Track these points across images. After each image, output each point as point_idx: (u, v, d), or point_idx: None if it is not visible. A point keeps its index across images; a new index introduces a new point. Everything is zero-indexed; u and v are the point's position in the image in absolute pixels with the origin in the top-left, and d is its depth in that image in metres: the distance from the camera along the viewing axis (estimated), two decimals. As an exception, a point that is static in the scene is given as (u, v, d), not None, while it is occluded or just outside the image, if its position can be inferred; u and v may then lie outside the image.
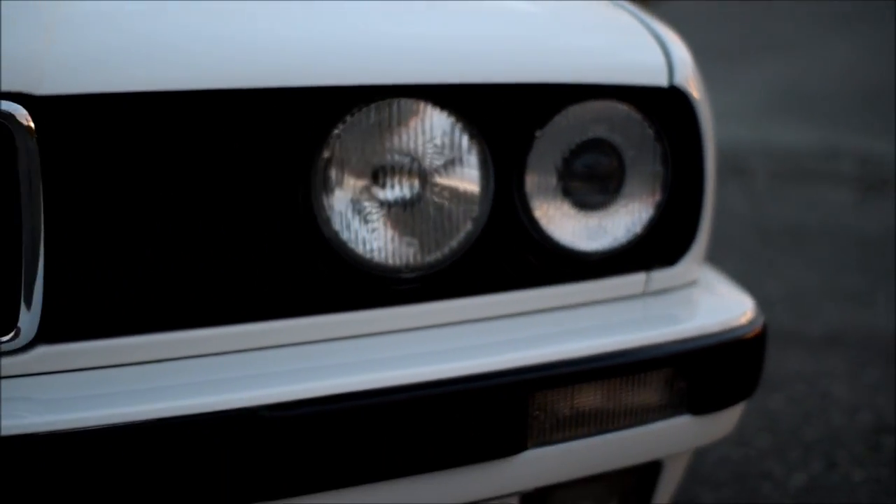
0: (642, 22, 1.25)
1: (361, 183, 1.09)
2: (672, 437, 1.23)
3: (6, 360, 0.99)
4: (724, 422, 1.28)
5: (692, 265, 1.28)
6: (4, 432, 0.94)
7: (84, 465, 0.97)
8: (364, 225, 1.10)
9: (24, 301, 0.98)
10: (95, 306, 1.01)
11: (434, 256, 1.13)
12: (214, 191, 1.02)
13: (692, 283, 1.30)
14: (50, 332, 1.00)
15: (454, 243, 1.13)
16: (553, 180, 1.18)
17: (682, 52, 1.23)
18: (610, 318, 1.22)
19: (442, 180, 1.12)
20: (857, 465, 1.94)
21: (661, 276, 1.26)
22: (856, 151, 5.00)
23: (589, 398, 1.15)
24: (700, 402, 1.21)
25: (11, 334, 0.98)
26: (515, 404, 1.10)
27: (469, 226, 1.13)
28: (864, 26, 7.29)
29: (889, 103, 5.82)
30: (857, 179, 4.67)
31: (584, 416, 1.15)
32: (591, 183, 1.20)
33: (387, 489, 1.07)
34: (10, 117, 0.93)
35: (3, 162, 0.94)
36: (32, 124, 0.94)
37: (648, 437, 1.20)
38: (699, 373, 1.21)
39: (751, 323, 1.25)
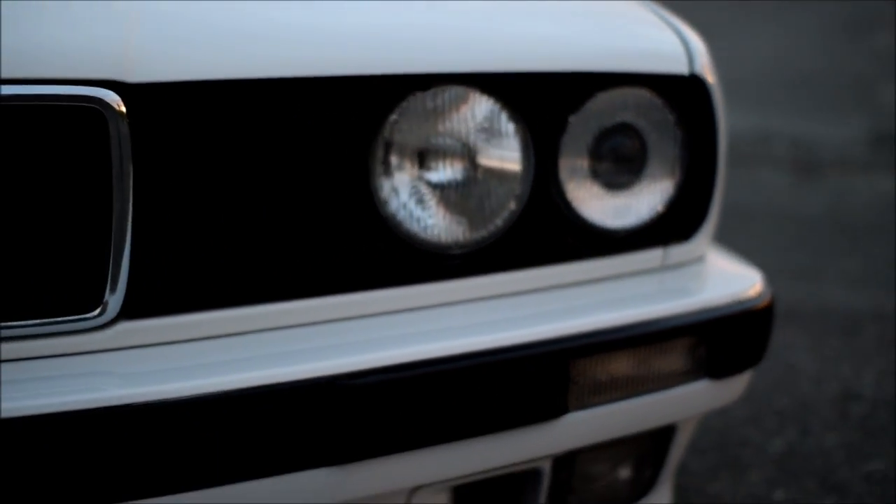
0: (661, 16, 1.34)
1: (415, 165, 1.16)
2: (692, 400, 1.32)
3: (90, 336, 1.04)
4: (737, 386, 1.38)
5: (704, 241, 1.37)
6: (88, 405, 0.99)
7: (164, 437, 1.02)
8: (418, 205, 1.17)
9: (111, 279, 1.03)
10: (176, 284, 1.06)
11: (481, 234, 1.20)
12: (289, 173, 1.08)
13: (703, 258, 1.40)
14: (132, 309, 1.05)
15: (499, 221, 1.21)
16: (584, 162, 1.26)
17: (698, 43, 1.32)
18: (635, 290, 1.31)
19: (488, 162, 1.19)
20: (829, 430, 2.07)
21: (677, 252, 1.35)
22: (788, 135, 5.20)
23: (622, 364, 1.24)
24: (718, 368, 1.31)
25: (98, 311, 1.03)
26: (558, 371, 1.18)
27: (512, 205, 1.21)
28: (793, 13, 7.52)
29: (817, 87, 6.04)
30: (792, 161, 4.86)
31: (618, 382, 1.24)
32: (618, 164, 1.29)
33: (441, 452, 1.15)
34: (104, 104, 0.98)
35: (96, 146, 0.99)
36: (125, 110, 0.99)
37: (672, 401, 1.30)
38: (718, 341, 1.31)
39: (761, 295, 1.35)
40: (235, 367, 1.06)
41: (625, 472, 1.46)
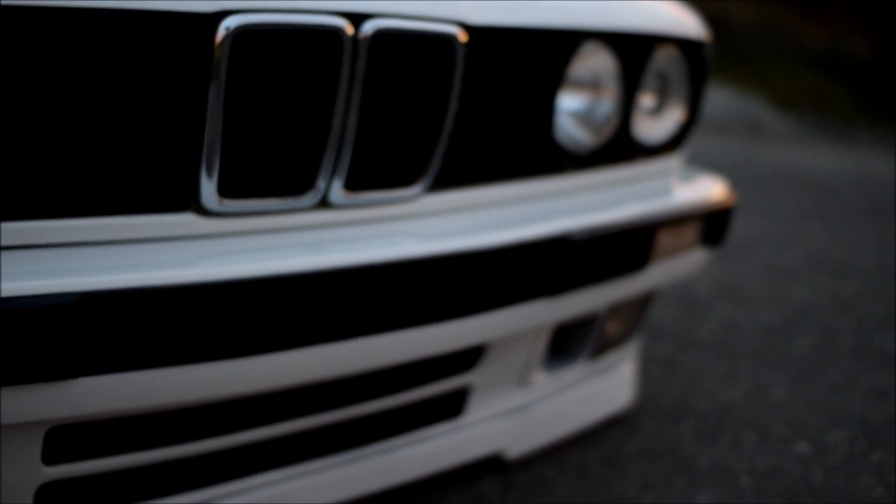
0: (681, 4, 1.94)
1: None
2: (696, 262, 1.95)
3: (400, 208, 1.46)
4: (711, 257, 2.02)
5: (686, 152, 2.00)
6: (400, 258, 1.41)
7: (456, 277, 1.46)
8: (570, 120, 1.68)
9: (432, 167, 1.45)
10: (465, 166, 1.50)
11: (599, 141, 1.74)
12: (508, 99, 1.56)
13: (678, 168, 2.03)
14: (435, 185, 1.47)
15: (608, 131, 1.75)
16: (645, 97, 1.84)
17: (700, 21, 1.93)
18: (670, 185, 1.91)
19: (606, 93, 1.73)
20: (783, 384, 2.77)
21: (678, 158, 1.97)
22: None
23: (674, 234, 1.83)
24: (710, 240, 1.94)
25: (413, 186, 1.45)
26: (649, 237, 1.75)
27: (615, 121, 1.75)
28: None
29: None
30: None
31: (668, 248, 1.83)
32: (657, 97, 1.87)
33: (576, 296, 1.68)
34: (455, 39, 1.40)
35: (442, 73, 1.41)
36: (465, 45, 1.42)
37: (689, 261, 1.91)
38: (712, 222, 1.93)
39: (729, 194, 2.00)
40: (497, 229, 1.53)
41: (617, 327, 2.05)
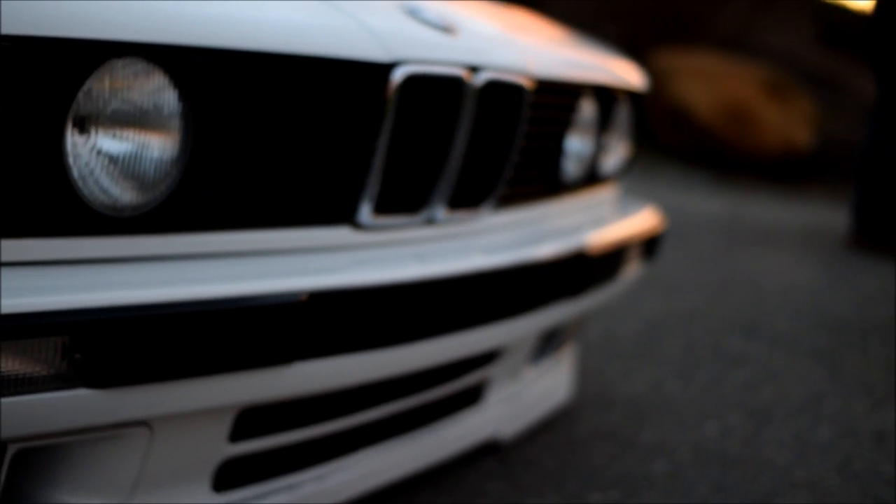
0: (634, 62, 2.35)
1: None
2: (640, 272, 2.35)
3: (473, 224, 1.76)
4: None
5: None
6: (471, 270, 1.72)
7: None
8: (570, 155, 2.05)
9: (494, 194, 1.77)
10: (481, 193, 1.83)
11: (582, 171, 2.11)
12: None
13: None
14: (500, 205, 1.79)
15: (587, 164, 2.12)
16: (609, 136, 2.23)
17: (643, 74, 2.36)
18: (625, 207, 2.31)
19: (589, 133, 2.11)
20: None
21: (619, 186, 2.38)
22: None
23: (636, 248, 2.22)
24: (649, 256, 2.35)
25: (486, 206, 1.76)
26: (625, 251, 2.14)
27: (591, 155, 2.13)
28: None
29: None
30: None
31: (632, 258, 2.22)
32: (612, 136, 2.27)
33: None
34: (525, 89, 1.73)
35: (513, 115, 1.74)
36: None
37: (637, 270, 2.31)
38: (653, 241, 2.35)
39: (660, 215, 2.43)
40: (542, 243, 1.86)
41: (571, 326, 2.42)
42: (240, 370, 1.32)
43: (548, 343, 2.28)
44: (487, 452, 2.18)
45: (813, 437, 2.53)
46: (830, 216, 6.56)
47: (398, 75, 1.48)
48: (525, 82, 1.74)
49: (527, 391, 2.25)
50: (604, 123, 2.16)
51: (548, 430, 2.35)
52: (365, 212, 1.53)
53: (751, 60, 9.92)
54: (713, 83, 9.06)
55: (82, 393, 1.19)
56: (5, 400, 1.14)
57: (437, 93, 1.57)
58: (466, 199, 1.73)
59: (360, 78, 1.46)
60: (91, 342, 1.18)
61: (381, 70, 1.47)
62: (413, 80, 1.51)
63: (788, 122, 9.05)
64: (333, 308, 1.40)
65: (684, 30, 11.07)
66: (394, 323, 1.50)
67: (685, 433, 2.46)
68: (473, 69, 1.62)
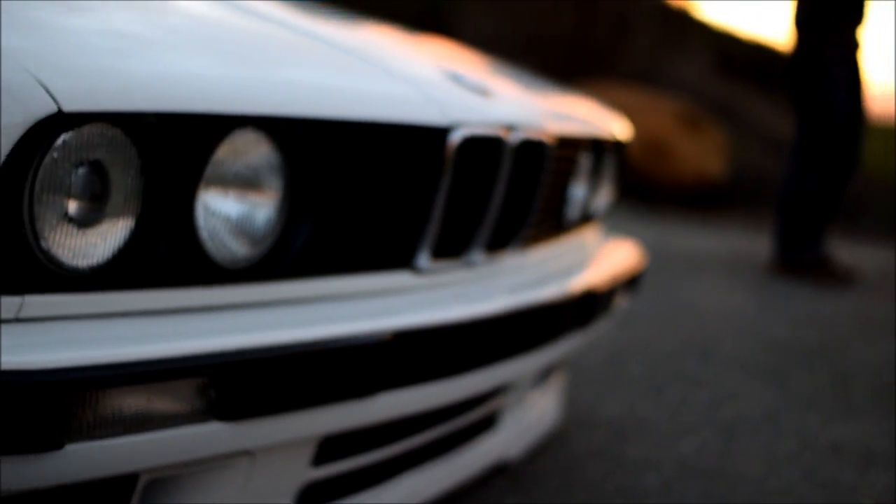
0: (610, 111, 2.59)
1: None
2: (625, 302, 2.58)
3: (501, 265, 1.96)
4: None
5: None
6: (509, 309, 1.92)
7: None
8: (574, 198, 2.27)
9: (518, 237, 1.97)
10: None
11: (578, 212, 2.33)
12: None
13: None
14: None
15: (582, 204, 2.34)
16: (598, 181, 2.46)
17: (625, 125, 2.59)
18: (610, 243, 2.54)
19: (584, 179, 2.33)
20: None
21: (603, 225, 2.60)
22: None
23: (626, 281, 2.45)
24: (634, 288, 2.58)
25: (512, 248, 1.96)
26: (615, 290, 2.36)
27: (584, 198, 2.35)
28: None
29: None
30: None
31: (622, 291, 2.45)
32: (600, 181, 2.50)
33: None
34: (547, 144, 1.94)
35: (536, 167, 1.94)
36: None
37: (625, 300, 2.54)
38: (637, 279, 2.58)
39: (641, 250, 2.66)
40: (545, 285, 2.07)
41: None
42: (336, 401, 1.49)
43: (546, 370, 2.49)
44: (497, 473, 2.37)
45: (777, 449, 2.78)
46: (749, 243, 6.94)
47: (456, 137, 1.68)
48: (547, 139, 1.95)
49: (528, 415, 2.44)
50: (595, 170, 2.39)
51: (546, 451, 2.55)
52: (423, 257, 1.72)
53: (661, 93, 10.36)
54: (630, 116, 9.44)
55: (214, 426, 1.35)
56: (149, 435, 1.30)
57: (482, 151, 1.77)
58: (498, 242, 1.93)
59: (423, 140, 1.65)
60: (225, 381, 1.34)
61: (440, 133, 1.67)
62: (466, 141, 1.71)
63: (701, 153, 9.45)
64: (413, 345, 1.58)
65: (594, 64, 11.50)
66: (455, 356, 1.69)
67: (666, 449, 2.69)
68: (509, 128, 1.83)
